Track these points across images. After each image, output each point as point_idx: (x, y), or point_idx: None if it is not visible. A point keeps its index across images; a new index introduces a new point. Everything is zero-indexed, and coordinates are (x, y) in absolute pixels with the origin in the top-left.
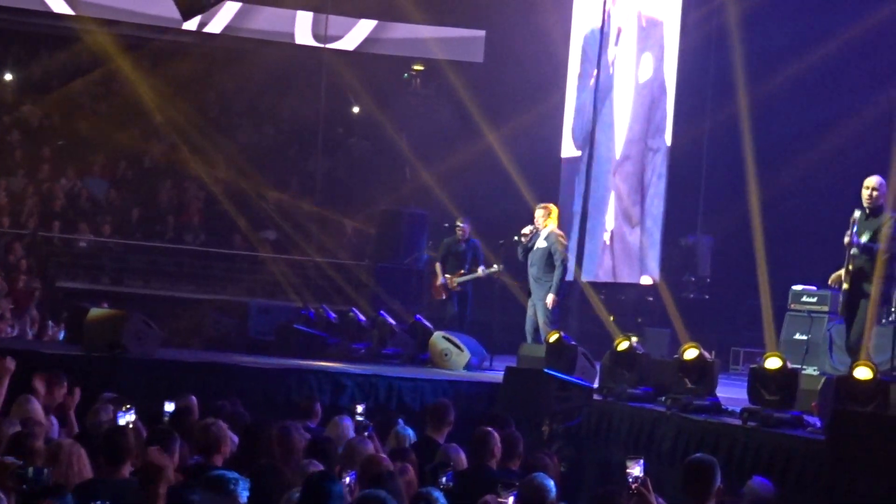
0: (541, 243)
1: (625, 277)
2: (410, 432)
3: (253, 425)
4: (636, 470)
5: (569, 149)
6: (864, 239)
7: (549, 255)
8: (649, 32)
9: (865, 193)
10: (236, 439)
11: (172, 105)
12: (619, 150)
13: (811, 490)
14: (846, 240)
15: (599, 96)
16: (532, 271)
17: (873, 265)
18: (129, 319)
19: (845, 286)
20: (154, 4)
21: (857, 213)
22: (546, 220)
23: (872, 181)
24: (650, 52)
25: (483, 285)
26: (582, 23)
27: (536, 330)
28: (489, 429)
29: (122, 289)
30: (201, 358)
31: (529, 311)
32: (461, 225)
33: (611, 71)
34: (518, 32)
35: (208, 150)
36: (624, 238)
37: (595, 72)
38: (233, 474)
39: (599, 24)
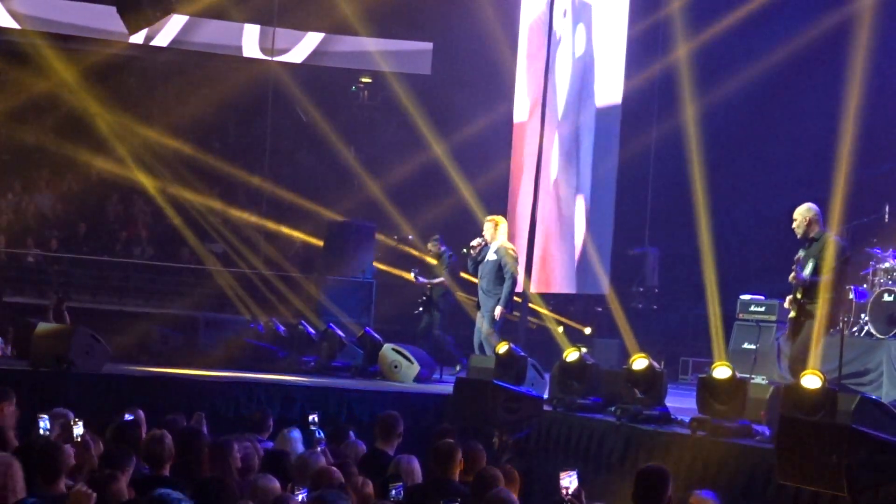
0: (490, 256)
1: (567, 288)
2: (362, 445)
3: (189, 436)
4: (569, 482)
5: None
6: (808, 268)
7: (498, 267)
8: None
9: (793, 224)
10: None
11: (119, 118)
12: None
13: (759, 499)
14: (791, 277)
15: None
16: (482, 284)
17: (818, 290)
18: (77, 334)
19: (792, 314)
20: (100, 18)
21: (800, 252)
22: (495, 233)
23: (803, 207)
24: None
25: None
26: (527, 33)
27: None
28: (453, 441)
29: (70, 303)
30: (149, 372)
31: (478, 324)
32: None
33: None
34: (465, 44)
35: (155, 164)
36: (564, 247)
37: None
38: (176, 494)
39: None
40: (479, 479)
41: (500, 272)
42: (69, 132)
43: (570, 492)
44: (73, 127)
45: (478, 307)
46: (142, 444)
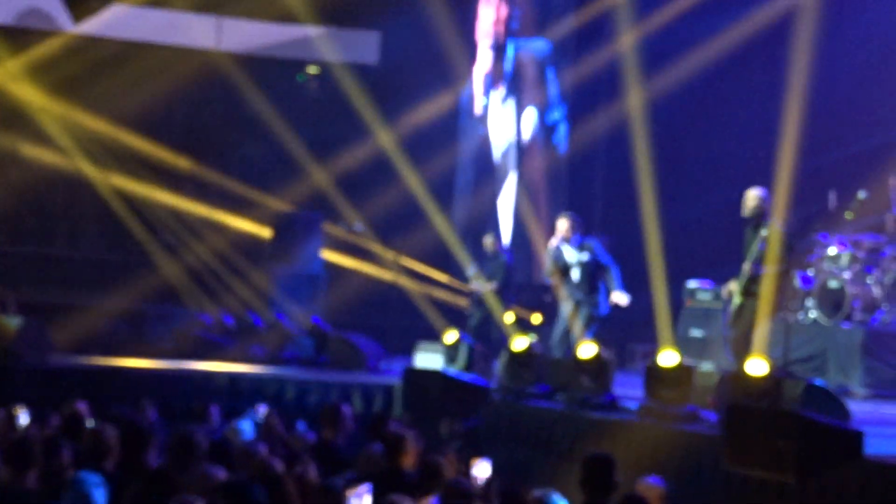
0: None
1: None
2: (311, 436)
3: (142, 429)
4: (483, 470)
5: None
6: (752, 256)
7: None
8: None
9: (744, 203)
10: None
11: (63, 109)
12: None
13: (707, 485)
14: (746, 267)
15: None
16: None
17: (762, 277)
18: (23, 327)
19: (737, 300)
20: (42, 6)
21: (748, 232)
22: (572, 231)
23: (752, 192)
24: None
25: (382, 289)
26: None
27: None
28: (402, 431)
29: (16, 297)
30: (96, 364)
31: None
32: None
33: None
34: (413, 32)
35: (101, 156)
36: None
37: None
38: (92, 476)
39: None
40: (424, 467)
41: (589, 269)
42: (12, 124)
43: (479, 481)
44: (16, 118)
45: (576, 306)
46: (83, 439)
